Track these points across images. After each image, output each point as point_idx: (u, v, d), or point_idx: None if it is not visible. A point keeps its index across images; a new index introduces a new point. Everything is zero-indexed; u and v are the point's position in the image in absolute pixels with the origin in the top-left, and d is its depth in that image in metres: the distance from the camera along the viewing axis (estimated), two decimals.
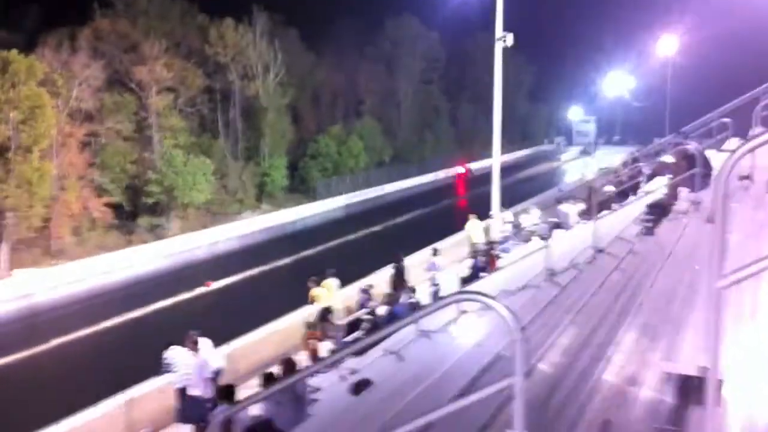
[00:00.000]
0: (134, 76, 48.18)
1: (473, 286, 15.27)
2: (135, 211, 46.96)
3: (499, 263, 21.29)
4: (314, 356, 17.05)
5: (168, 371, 14.67)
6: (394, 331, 4.64)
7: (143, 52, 49.12)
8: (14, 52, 37.93)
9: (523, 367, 3.12)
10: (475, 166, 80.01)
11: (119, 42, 49.79)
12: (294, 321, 20.68)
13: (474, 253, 23.36)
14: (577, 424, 4.51)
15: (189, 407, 13.67)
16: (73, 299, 33.81)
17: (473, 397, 3.29)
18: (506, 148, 56.71)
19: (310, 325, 18.19)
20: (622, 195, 20.48)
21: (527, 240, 25.04)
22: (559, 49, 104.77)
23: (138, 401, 15.10)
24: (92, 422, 15.88)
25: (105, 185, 44.65)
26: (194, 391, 13.57)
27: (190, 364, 13.72)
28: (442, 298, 4.33)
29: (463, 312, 10.88)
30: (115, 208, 44.87)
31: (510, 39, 28.96)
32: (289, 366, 11.14)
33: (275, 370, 13.02)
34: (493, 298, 3.17)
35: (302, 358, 15.75)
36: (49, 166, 39.31)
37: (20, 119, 37.28)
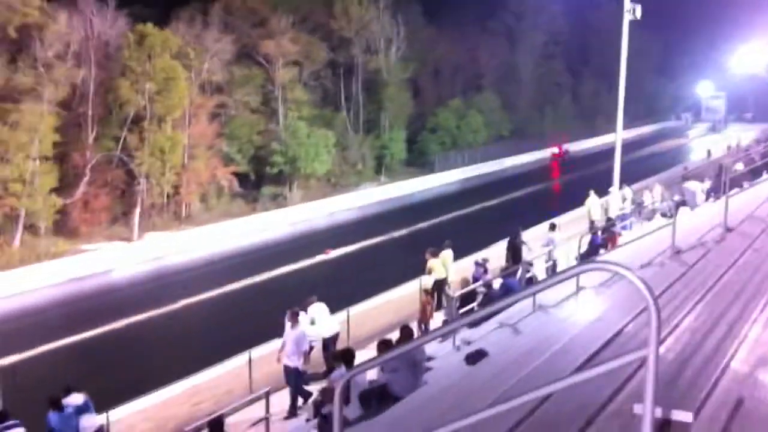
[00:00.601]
0: (262, 50, 49.52)
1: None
2: (259, 181, 48.48)
3: (619, 240, 20.79)
4: (426, 321, 17.36)
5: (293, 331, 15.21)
6: (511, 304, 4.66)
7: (271, 26, 50.40)
8: (150, 25, 39.77)
9: (657, 339, 3.05)
10: (587, 144, 77.58)
11: (248, 16, 51.25)
12: (409, 291, 20.94)
13: (593, 230, 22.88)
14: (707, 402, 4.41)
15: (285, 375, 14.13)
16: (200, 263, 35.40)
17: (600, 369, 3.26)
18: (630, 124, 54.86)
19: (427, 291, 18.54)
20: (754, 173, 19.53)
21: (649, 218, 24.34)
22: (688, 21, 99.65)
23: (258, 362, 15.71)
24: (217, 378, 16.75)
25: (232, 155, 46.27)
26: (288, 362, 14.00)
27: (296, 336, 14.04)
28: (550, 276, 4.30)
29: (581, 288, 10.77)
30: (241, 177, 46.44)
31: (638, 11, 27.92)
32: (406, 333, 11.34)
33: (392, 337, 13.29)
34: (626, 267, 3.11)
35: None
36: (181, 136, 41.19)
37: (155, 90, 39.13)
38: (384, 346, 11.00)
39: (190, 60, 42.88)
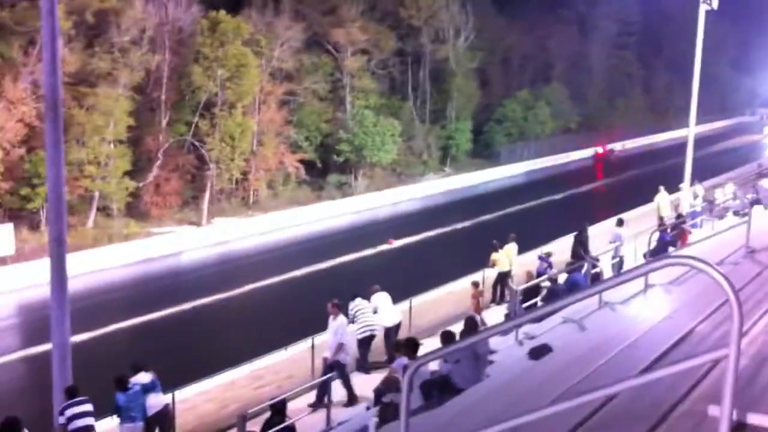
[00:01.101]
0: (331, 38, 49.81)
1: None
2: (325, 169, 48.85)
3: (690, 238, 20.30)
4: (477, 311, 17.32)
5: (351, 321, 15.34)
6: (578, 300, 4.57)
7: (341, 14, 50.65)
8: (223, 12, 40.35)
9: (738, 337, 2.96)
10: (658, 138, 75.40)
11: (318, 4, 51.58)
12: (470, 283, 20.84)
13: (662, 227, 22.39)
14: None
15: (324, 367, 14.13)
16: (266, 248, 35.94)
17: (675, 368, 3.18)
18: (703, 118, 53.39)
19: (476, 284, 18.55)
20: None
21: (721, 216, 23.68)
22: (766, 13, 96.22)
23: (321, 348, 15.84)
24: (280, 363, 17.01)
25: (299, 142, 46.70)
26: (328, 354, 14.02)
27: (337, 328, 13.98)
28: (625, 271, 4.22)
29: (650, 285, 10.54)
30: (307, 164, 46.89)
31: (715, 2, 27.10)
32: (470, 324, 11.31)
33: (454, 328, 13.26)
34: (704, 262, 3.02)
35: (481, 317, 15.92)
36: (251, 122, 41.75)
37: (227, 77, 39.72)
38: (447, 336, 11.01)
39: (261, 47, 43.36)
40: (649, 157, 64.41)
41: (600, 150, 70.02)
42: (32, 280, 25.22)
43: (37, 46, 31.70)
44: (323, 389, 13.34)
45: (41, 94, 30.23)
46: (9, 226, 29.88)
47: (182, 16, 41.30)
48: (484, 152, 61.82)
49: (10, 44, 33.66)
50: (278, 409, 10.64)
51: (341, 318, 14.22)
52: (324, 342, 14.79)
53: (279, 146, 44.36)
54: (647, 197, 28.30)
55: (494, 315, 17.81)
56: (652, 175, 37.16)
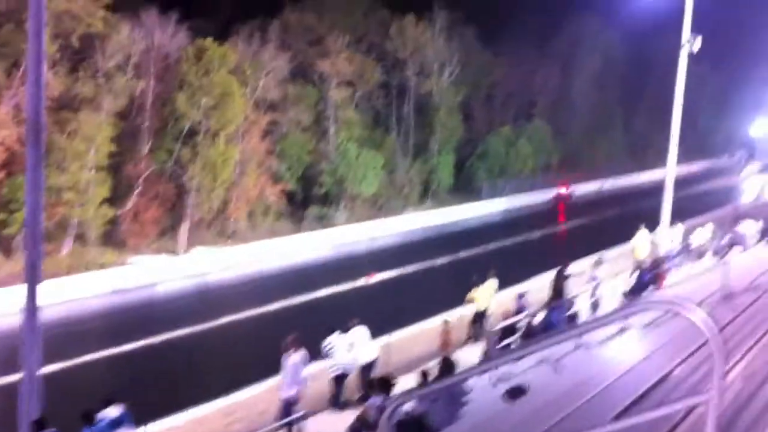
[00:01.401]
0: (317, 69, 50.00)
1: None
2: (306, 200, 48.74)
3: (668, 279, 20.36)
4: (446, 348, 17.21)
5: (327, 356, 15.17)
6: (555, 342, 4.51)
7: (327, 45, 50.90)
8: (209, 40, 40.35)
9: (720, 382, 2.88)
10: (636, 180, 75.74)
11: (305, 35, 51.95)
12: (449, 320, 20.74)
13: (640, 267, 22.44)
14: None
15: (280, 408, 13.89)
16: (244, 280, 35.69)
17: (654, 414, 3.10)
18: (681, 159, 53.91)
19: (446, 321, 18.50)
20: None
21: (699, 257, 23.82)
22: (748, 56, 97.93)
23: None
24: (254, 398, 16.73)
25: (281, 173, 46.60)
26: (282, 393, 13.80)
27: (293, 364, 13.76)
28: (605, 314, 4.17)
29: (626, 327, 10.50)
30: (288, 195, 46.75)
31: (697, 43, 27.50)
32: (447, 365, 11.21)
33: (430, 366, 13.14)
34: (689, 306, 2.94)
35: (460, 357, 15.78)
36: (234, 151, 41.56)
37: (211, 105, 39.57)
38: (425, 376, 10.89)
39: (247, 76, 43.42)
40: (625, 196, 64.70)
41: (563, 190, 66.39)
42: (3, 308, 24.78)
43: (21, 69, 31.59)
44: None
45: (23, 118, 30.18)
46: None
47: (168, 43, 41.32)
48: (466, 187, 61.95)
49: None
50: None
51: (300, 353, 13.92)
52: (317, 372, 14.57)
53: (261, 176, 44.23)
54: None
55: (469, 354, 17.64)
56: (622, 216, 37.30)
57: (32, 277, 11.39)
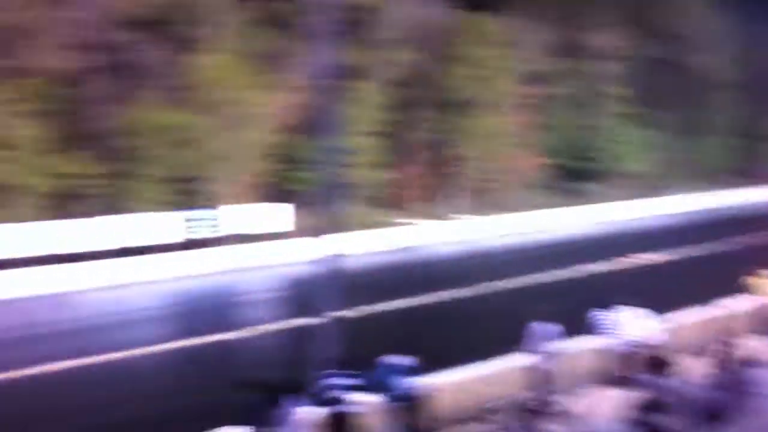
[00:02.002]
0: (587, 43, 48.70)
1: None
2: (571, 174, 47.96)
3: None
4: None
5: (602, 333, 14.86)
6: None
7: (598, 19, 49.33)
8: (481, 14, 40.95)
9: None
10: None
11: (577, 8, 50.64)
12: (724, 312, 19.43)
13: None
14: None
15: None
16: (510, 249, 36.25)
17: None
18: None
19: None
20: None
21: None
22: None
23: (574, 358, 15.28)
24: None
25: (548, 147, 46.25)
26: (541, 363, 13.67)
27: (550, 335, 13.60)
28: None
29: None
30: (554, 169, 46.30)
31: None
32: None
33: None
34: None
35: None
36: (503, 124, 42.05)
37: (481, 78, 40.30)
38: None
39: (516, 49, 43.45)
40: None
41: None
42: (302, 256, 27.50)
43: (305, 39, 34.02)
44: None
45: (310, 84, 32.63)
46: (290, 206, 33.59)
47: (441, 17, 42.43)
48: (745, 170, 57.26)
49: (283, 36, 36.37)
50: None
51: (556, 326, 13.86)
52: None
53: (528, 149, 44.28)
54: None
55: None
56: None
57: (327, 229, 12.79)
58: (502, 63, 41.34)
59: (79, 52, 31.45)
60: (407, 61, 40.59)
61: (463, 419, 13.09)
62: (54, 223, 28.89)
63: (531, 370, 13.59)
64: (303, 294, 21.78)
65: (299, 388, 10.48)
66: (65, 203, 31.01)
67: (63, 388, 17.03)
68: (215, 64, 33.19)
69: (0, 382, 17.39)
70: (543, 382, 13.43)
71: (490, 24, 41.17)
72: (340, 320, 13.38)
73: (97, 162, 31.70)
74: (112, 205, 31.26)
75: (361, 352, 11.56)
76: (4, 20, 29.79)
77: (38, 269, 27.66)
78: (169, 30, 34.23)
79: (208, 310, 25.84)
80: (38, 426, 14.82)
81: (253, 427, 10.00)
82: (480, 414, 11.86)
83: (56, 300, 26.57)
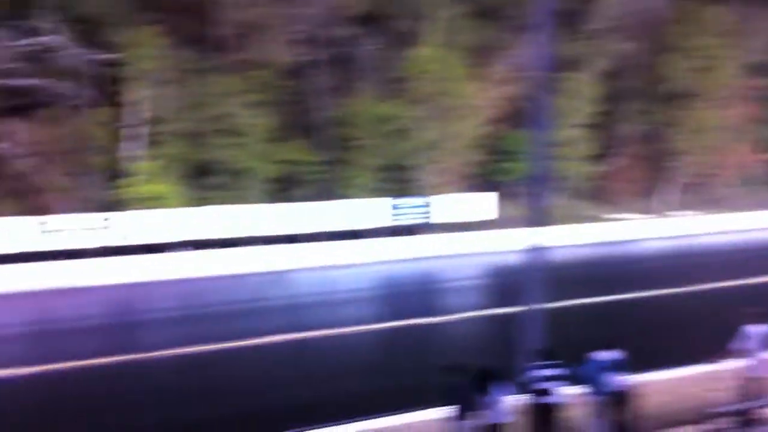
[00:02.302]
0: None
1: None
2: None
3: None
4: None
5: None
6: None
7: None
8: (704, 3, 38.91)
9: None
10: None
11: None
12: None
13: None
14: None
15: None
16: (725, 248, 34.64)
17: None
18: None
19: None
20: None
21: None
22: None
23: None
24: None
25: None
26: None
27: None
28: None
29: None
30: None
31: None
32: None
33: None
34: None
35: None
36: (721, 116, 39.77)
37: (698, 68, 38.39)
38: None
39: (739, 39, 40.77)
40: None
41: None
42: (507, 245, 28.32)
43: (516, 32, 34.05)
44: None
45: (521, 75, 32.76)
46: (494, 195, 34.43)
47: (658, 5, 40.65)
48: None
49: (494, 28, 36.55)
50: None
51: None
52: None
53: (747, 144, 41.60)
54: None
55: None
56: None
57: (536, 221, 12.90)
58: (723, 53, 38.97)
59: (304, 46, 33.50)
60: (621, 52, 39.34)
61: (678, 421, 12.76)
62: (275, 206, 31.24)
63: (743, 374, 12.95)
64: (508, 283, 21.98)
65: (506, 376, 10.70)
66: (286, 188, 33.27)
67: (283, 358, 18.49)
68: (428, 56, 34.02)
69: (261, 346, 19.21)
70: (756, 388, 12.77)
71: (711, 12, 38.87)
72: (546, 311, 13.48)
73: (315, 150, 33.68)
74: (328, 191, 33.10)
75: (567, 345, 11.59)
76: (239, 17, 32.33)
77: (261, 248, 29.98)
78: (386, 24, 35.60)
79: (414, 293, 26.79)
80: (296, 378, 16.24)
81: (459, 409, 10.34)
82: (696, 418, 11.51)
83: (274, 277, 28.65)
